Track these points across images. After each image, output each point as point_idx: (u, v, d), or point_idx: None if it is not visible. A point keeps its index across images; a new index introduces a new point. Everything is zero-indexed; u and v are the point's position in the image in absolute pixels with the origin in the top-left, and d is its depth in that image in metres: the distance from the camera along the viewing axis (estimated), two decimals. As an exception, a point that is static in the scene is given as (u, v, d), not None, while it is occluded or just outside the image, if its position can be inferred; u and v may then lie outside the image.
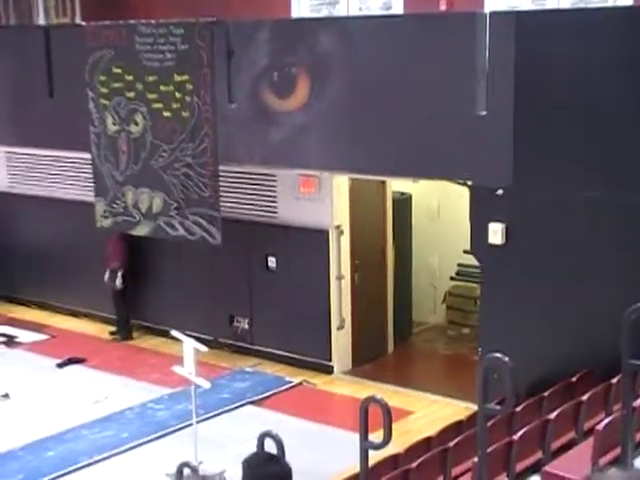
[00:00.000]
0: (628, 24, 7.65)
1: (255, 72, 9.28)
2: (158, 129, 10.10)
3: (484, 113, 8.02)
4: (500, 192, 8.28)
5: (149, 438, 9.03)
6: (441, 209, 11.73)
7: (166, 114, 9.99)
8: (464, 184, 8.70)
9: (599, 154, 7.77)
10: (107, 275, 11.82)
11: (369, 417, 5.58)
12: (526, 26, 7.81)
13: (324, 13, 12.32)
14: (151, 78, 10.02)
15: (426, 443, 7.01)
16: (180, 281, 11.61)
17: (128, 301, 11.85)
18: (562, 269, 8.15)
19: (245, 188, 10.84)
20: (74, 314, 12.76)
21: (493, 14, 8.04)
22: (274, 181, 10.61)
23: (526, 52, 7.78)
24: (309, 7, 12.54)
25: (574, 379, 7.70)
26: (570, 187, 7.93)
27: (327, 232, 10.32)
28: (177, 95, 9.84)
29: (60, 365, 11.05)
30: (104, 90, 10.45)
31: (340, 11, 12.12)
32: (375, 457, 6.16)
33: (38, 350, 11.63)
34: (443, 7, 10.93)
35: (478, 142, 8.10)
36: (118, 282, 11.68)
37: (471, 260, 9.44)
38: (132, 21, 10.36)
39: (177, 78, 9.79)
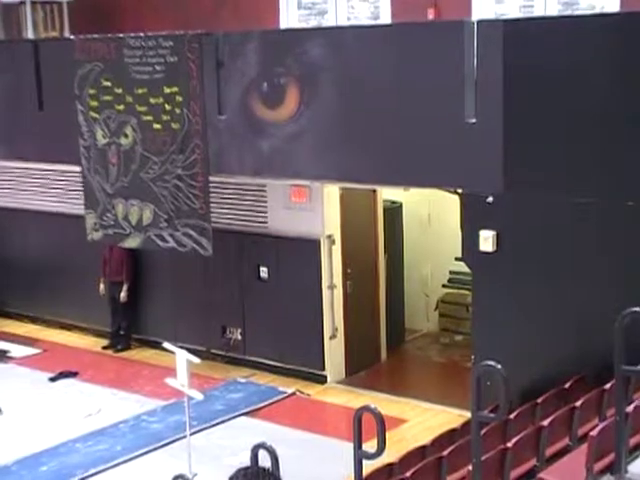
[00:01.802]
0: (615, 30, 7.67)
1: (245, 83, 9.28)
2: (148, 141, 10.09)
3: (474, 120, 8.03)
4: (490, 199, 8.29)
5: (143, 451, 9.01)
6: (432, 217, 11.74)
7: (156, 126, 9.99)
8: (455, 192, 8.72)
9: (589, 160, 7.79)
10: (102, 286, 11.82)
11: (363, 426, 5.58)
12: (514, 34, 7.83)
13: (313, 23, 12.36)
14: (140, 90, 10.01)
15: (420, 451, 7.01)
16: (172, 292, 11.60)
17: (130, 312, 11.86)
18: (553, 275, 8.17)
19: (236, 198, 10.84)
20: (66, 327, 12.74)
21: (481, 22, 8.06)
22: (265, 191, 10.61)
23: (514, 59, 7.80)
24: (298, 17, 12.58)
25: (567, 385, 7.71)
26: (560, 194, 7.95)
27: (318, 241, 10.33)
28: (167, 107, 9.83)
29: (52, 379, 11.02)
30: (94, 103, 10.44)
31: (329, 21, 12.16)
32: (370, 466, 6.15)
33: (30, 364, 11.60)
34: (431, 16, 10.97)
35: (468, 150, 8.11)
36: (123, 295, 11.69)
37: (463, 267, 9.45)
38: (121, 34, 10.36)
39: (166, 90, 9.79)
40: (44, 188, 12.67)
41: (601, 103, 7.66)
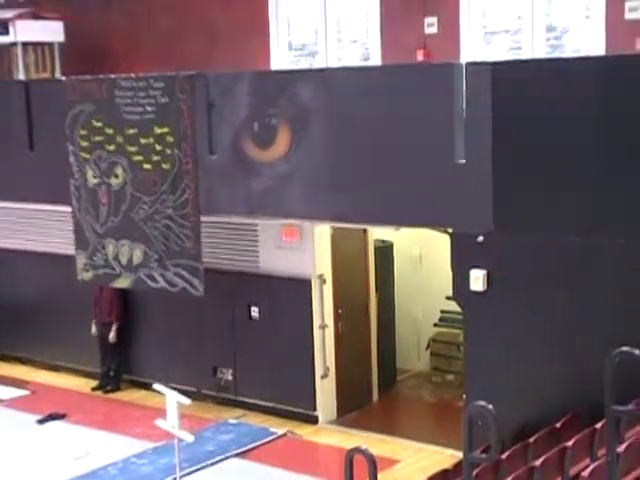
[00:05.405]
0: (601, 73, 7.76)
1: (236, 123, 9.34)
2: (138, 181, 10.12)
3: (463, 161, 8.09)
4: (481, 239, 8.32)
5: (133, 493, 8.93)
6: (423, 256, 11.76)
7: (146, 166, 10.02)
8: (445, 231, 8.75)
9: (577, 199, 7.84)
10: (94, 328, 11.77)
11: (355, 467, 5.55)
12: (502, 76, 7.91)
13: (303, 64, 12.47)
14: (131, 131, 10.05)
15: (413, 493, 6.96)
16: (162, 333, 11.55)
17: (120, 353, 11.80)
18: (544, 314, 8.17)
19: (227, 238, 10.85)
20: (54, 369, 12.65)
21: (469, 64, 8.15)
22: (256, 231, 10.63)
23: (503, 101, 7.87)
24: (289, 59, 12.70)
25: (558, 424, 7.68)
26: (550, 233, 7.99)
27: (310, 281, 10.32)
28: (157, 147, 9.87)
29: (41, 421, 10.91)
30: (84, 144, 10.48)
31: (319, 62, 12.27)
32: (362, 508, 6.10)
33: (18, 406, 11.49)
34: (420, 58, 11.09)
35: (458, 190, 8.16)
36: (112, 335, 11.63)
37: (454, 306, 9.46)
38: (112, 75, 10.43)
39: (157, 130, 9.83)
40: (34, 228, 12.64)
41: (588, 143, 7.73)
